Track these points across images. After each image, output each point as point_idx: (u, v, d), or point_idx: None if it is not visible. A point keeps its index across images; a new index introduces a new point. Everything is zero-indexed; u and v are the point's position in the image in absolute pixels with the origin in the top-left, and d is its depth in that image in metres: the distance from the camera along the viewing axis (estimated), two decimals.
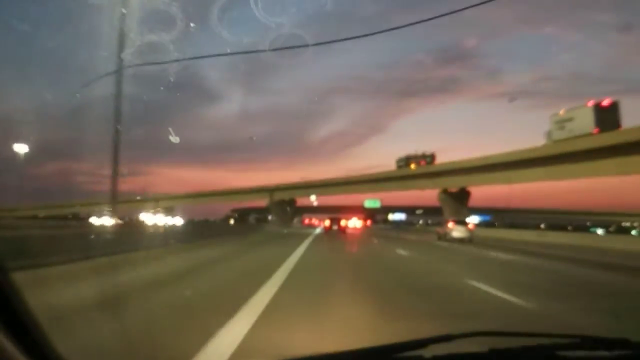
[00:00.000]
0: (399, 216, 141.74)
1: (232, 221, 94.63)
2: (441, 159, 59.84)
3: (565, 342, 1.64)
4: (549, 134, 42.49)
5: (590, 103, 38.37)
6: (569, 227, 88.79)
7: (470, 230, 27.63)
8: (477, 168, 49.34)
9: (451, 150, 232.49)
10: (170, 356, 3.63)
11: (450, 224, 27.87)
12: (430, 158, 61.98)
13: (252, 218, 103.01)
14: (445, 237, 27.51)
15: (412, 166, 62.74)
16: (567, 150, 38.64)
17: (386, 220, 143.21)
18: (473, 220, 56.29)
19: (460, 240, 26.46)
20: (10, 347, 1.08)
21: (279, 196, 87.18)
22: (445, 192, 56.44)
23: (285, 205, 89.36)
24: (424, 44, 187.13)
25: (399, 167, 66.42)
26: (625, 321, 5.42)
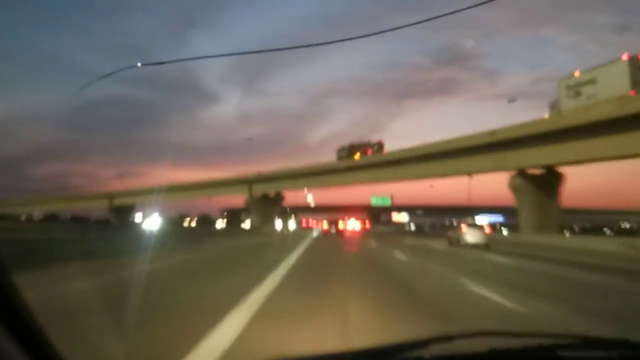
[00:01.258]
0: (404, 217, 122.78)
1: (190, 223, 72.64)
2: None
3: (566, 342, 1.64)
4: (554, 105, 33.23)
5: (625, 56, 28.77)
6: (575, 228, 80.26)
7: (486, 235, 25.40)
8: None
9: None
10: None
11: (464, 228, 25.62)
12: (378, 146, 51.60)
13: (219, 220, 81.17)
14: (457, 242, 24.97)
15: (357, 156, 51.89)
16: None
17: (391, 222, 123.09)
18: (482, 220, 49.64)
19: (474, 246, 23.45)
20: (11, 347, 1.08)
21: (260, 190, 65.75)
22: (522, 175, 34.94)
23: (269, 203, 67.89)
24: (422, 46, 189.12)
25: (340, 157, 54.56)
26: None
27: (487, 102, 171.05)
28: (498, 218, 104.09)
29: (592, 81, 29.83)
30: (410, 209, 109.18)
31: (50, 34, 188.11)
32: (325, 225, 45.56)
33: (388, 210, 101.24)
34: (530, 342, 1.53)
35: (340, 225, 45.05)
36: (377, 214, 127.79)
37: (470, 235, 24.38)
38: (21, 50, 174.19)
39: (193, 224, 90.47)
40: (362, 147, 51.60)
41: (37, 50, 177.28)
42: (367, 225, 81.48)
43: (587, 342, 1.65)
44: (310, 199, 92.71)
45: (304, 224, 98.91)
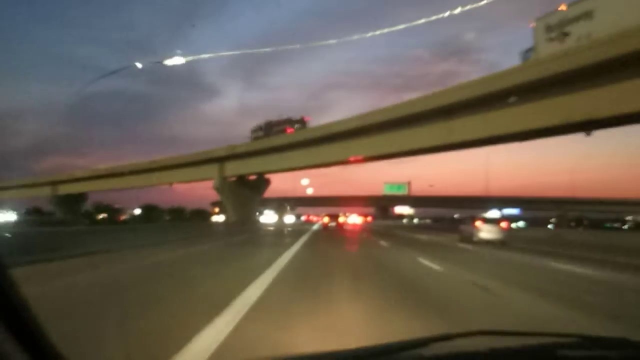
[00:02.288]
0: (408, 209, 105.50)
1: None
2: None
3: (565, 341, 1.65)
4: (527, 53, 24.54)
5: None
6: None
7: (503, 230, 23.02)
8: None
9: None
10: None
11: (478, 222, 23.29)
12: (301, 124, 43.54)
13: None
14: (471, 238, 23.06)
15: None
16: None
17: (395, 215, 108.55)
18: (494, 214, 44.61)
19: (488, 242, 21.94)
20: (8, 345, 1.07)
21: (235, 170, 47.30)
22: None
23: (249, 189, 49.56)
24: (423, 39, 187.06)
25: (256, 138, 46.34)
26: None
27: None
28: (514, 211, 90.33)
29: (586, 15, 22.22)
30: (427, 200, 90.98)
31: (51, 28, 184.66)
32: (325, 219, 44.64)
33: (403, 200, 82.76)
34: (530, 341, 1.53)
35: (341, 219, 45.41)
36: (385, 206, 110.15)
37: (485, 231, 22.57)
38: (21, 44, 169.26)
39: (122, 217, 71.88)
40: (281, 124, 43.63)
41: (38, 44, 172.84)
42: (369, 220, 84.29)
43: (587, 341, 1.65)
44: (310, 191, 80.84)
45: (306, 218, 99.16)
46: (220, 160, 47.23)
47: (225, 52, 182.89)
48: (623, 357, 1.52)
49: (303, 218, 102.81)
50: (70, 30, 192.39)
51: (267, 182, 51.10)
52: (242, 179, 48.26)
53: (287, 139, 40.58)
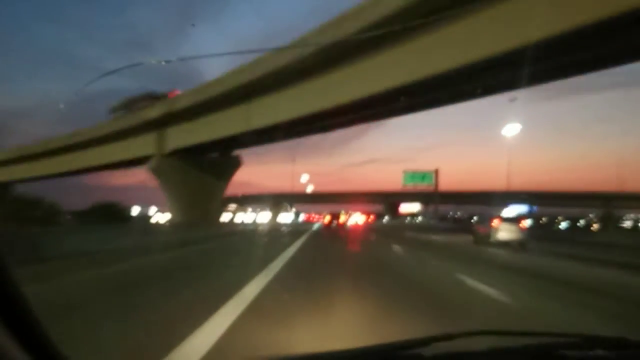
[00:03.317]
0: (415, 207, 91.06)
1: None
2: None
3: (565, 341, 1.66)
4: None
5: None
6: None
7: (522, 231, 21.01)
8: None
9: (451, 145, 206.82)
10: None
11: (496, 222, 21.34)
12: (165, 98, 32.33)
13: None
14: (487, 239, 21.12)
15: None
16: None
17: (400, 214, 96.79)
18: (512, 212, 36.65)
19: (506, 244, 20.09)
20: (10, 344, 1.07)
21: (181, 139, 29.21)
22: None
23: (209, 171, 31.51)
24: None
25: (117, 118, 35.50)
26: None
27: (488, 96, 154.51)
28: (523, 208, 75.47)
29: None
30: (455, 196, 73.68)
31: (52, 28, 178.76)
32: (327, 218, 44.64)
33: (428, 196, 64.89)
34: (531, 341, 1.53)
35: (342, 219, 45.36)
36: (396, 203, 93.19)
37: (503, 231, 20.65)
38: (21, 44, 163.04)
39: None
40: (144, 100, 34.97)
41: (39, 44, 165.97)
42: (371, 219, 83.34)
43: (587, 341, 1.66)
44: (310, 189, 70.79)
45: (306, 218, 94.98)
46: (158, 125, 29.24)
47: (225, 52, 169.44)
48: (623, 357, 1.52)
49: (303, 217, 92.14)
50: (71, 30, 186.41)
51: (236, 162, 33.03)
52: (195, 156, 30.21)
53: (272, 62, 22.11)
